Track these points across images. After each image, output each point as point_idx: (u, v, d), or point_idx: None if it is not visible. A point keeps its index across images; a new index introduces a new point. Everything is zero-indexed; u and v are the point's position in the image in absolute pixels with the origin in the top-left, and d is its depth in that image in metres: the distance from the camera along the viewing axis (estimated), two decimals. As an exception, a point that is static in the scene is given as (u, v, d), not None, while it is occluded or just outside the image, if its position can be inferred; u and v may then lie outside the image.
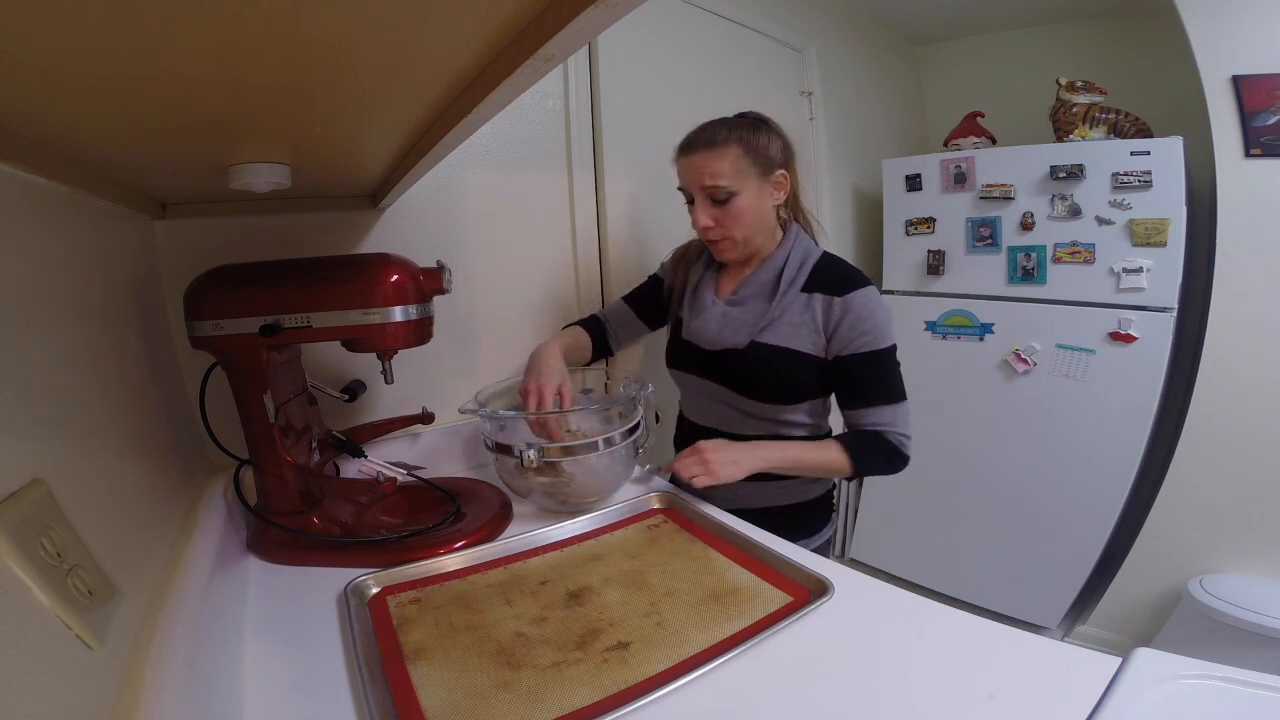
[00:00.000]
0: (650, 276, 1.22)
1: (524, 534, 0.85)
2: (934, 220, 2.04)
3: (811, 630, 0.63)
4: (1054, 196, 1.81)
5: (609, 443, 0.91)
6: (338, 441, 0.96)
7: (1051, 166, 1.79)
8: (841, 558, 2.35)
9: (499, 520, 0.90)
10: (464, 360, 1.21)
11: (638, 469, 1.03)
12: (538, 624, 0.66)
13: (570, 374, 0.98)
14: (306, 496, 0.83)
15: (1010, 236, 1.90)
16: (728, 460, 0.89)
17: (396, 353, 0.82)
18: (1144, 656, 0.54)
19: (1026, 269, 1.88)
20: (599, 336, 1.16)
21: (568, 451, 0.90)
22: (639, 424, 0.97)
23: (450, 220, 1.16)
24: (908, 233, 2.10)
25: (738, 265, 1.06)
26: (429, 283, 0.82)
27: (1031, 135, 1.94)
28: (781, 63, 1.94)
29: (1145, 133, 1.76)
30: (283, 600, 0.73)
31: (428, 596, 0.73)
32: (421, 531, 0.83)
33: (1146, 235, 1.67)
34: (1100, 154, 1.73)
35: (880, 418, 0.94)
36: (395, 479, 0.82)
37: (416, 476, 0.97)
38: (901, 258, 2.13)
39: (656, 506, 0.95)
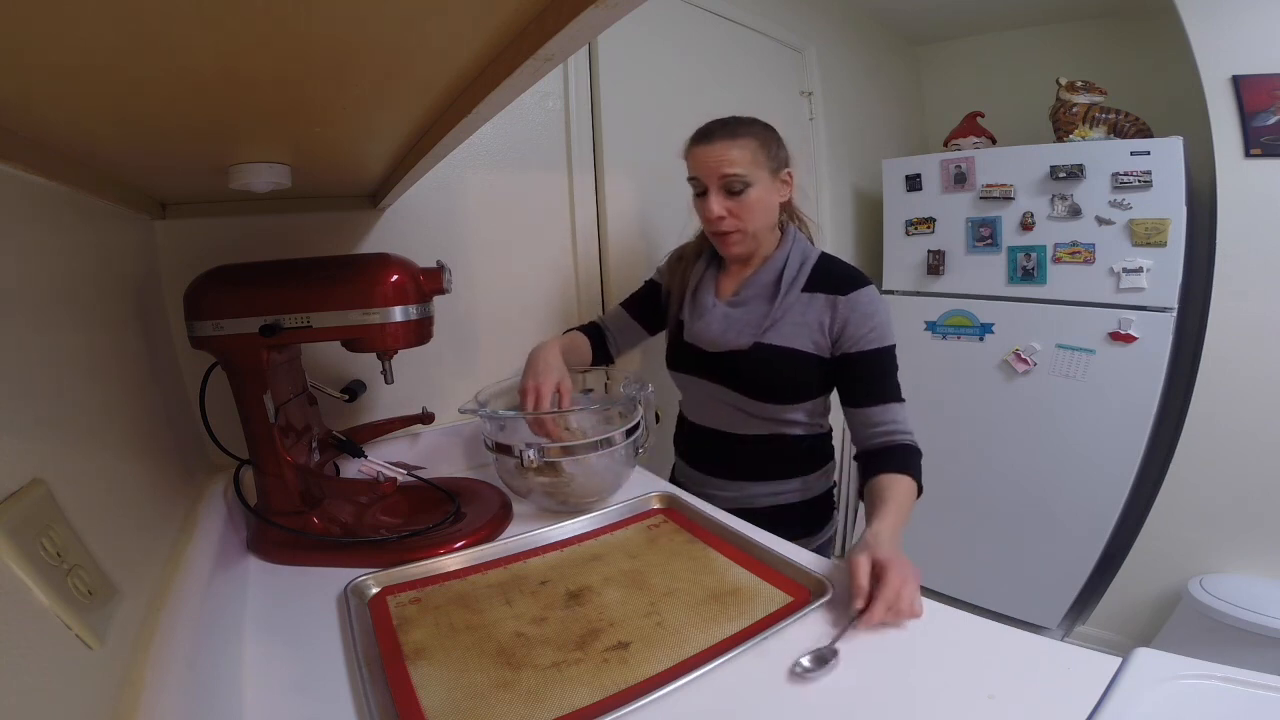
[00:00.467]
0: (646, 282, 1.22)
1: (524, 534, 0.85)
2: (934, 220, 2.04)
3: (811, 630, 0.63)
4: (1054, 196, 1.81)
5: (609, 443, 0.91)
6: (338, 441, 0.96)
7: (1051, 166, 1.79)
8: (842, 557, 2.35)
9: (499, 520, 0.90)
10: (464, 360, 1.21)
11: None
12: (538, 624, 0.66)
13: (570, 374, 0.98)
14: (306, 496, 0.83)
15: (1010, 236, 1.90)
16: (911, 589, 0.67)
17: (396, 353, 0.82)
18: (1144, 656, 0.54)
19: (1026, 269, 1.88)
20: (599, 343, 1.16)
21: (568, 451, 0.90)
22: (639, 424, 0.97)
23: (450, 220, 1.16)
24: (908, 233, 2.10)
25: (737, 267, 1.06)
26: (429, 283, 0.82)
27: (1031, 135, 1.94)
28: (781, 63, 1.94)
29: (1145, 133, 1.76)
30: (283, 600, 0.73)
31: (428, 596, 0.73)
32: (421, 531, 0.83)
33: (1146, 235, 1.67)
34: (1100, 154, 1.73)
35: (893, 416, 0.94)
36: (395, 479, 0.82)
37: (416, 476, 0.97)
38: (901, 258, 2.13)
39: (656, 506, 0.95)
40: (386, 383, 0.84)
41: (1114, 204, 1.71)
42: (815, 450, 1.07)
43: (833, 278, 0.98)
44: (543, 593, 0.73)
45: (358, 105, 0.46)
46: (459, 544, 0.82)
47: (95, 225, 0.66)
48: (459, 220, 1.17)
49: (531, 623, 0.67)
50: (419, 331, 0.81)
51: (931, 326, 2.08)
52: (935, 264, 2.04)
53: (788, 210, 1.06)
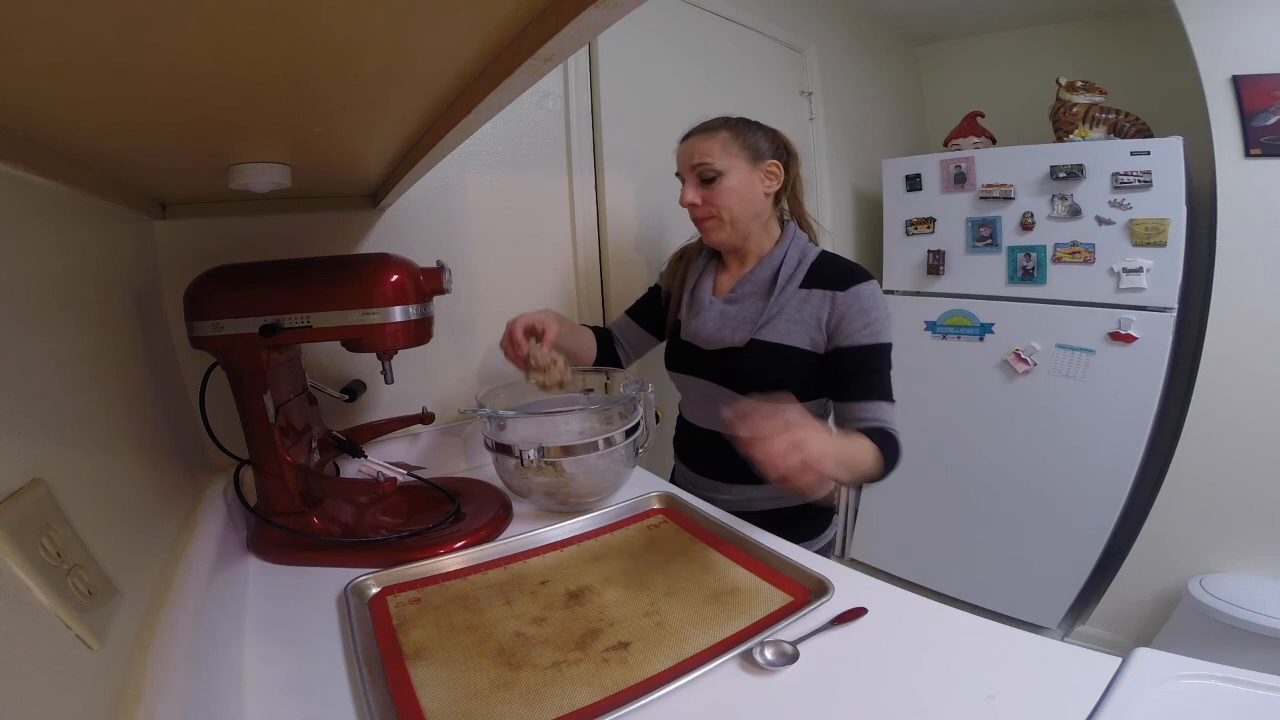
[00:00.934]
0: (650, 288, 1.23)
1: (524, 534, 0.85)
2: (934, 220, 2.04)
3: (811, 630, 0.63)
4: (1054, 196, 1.81)
5: (609, 443, 0.91)
6: (338, 441, 0.96)
7: (1051, 166, 1.79)
8: (841, 558, 2.35)
9: (499, 520, 0.90)
10: (464, 360, 1.21)
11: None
12: (538, 624, 0.66)
13: (573, 374, 0.98)
14: (306, 496, 0.83)
15: (1010, 236, 1.90)
16: (825, 476, 0.69)
17: (396, 353, 0.82)
18: (1144, 656, 0.54)
19: (1026, 269, 1.88)
20: (605, 343, 1.18)
21: (568, 451, 0.90)
22: (639, 424, 0.97)
23: (450, 220, 1.16)
24: (908, 233, 2.10)
25: (736, 264, 1.07)
26: (429, 283, 0.82)
27: (1031, 135, 1.94)
28: (781, 63, 1.94)
29: (1145, 133, 1.76)
30: (283, 600, 0.73)
31: (428, 596, 0.73)
32: (421, 531, 0.83)
33: (1146, 235, 1.67)
34: (1100, 154, 1.73)
35: (882, 414, 0.91)
36: (395, 479, 0.81)
37: (416, 476, 0.97)
38: (901, 258, 2.13)
39: (656, 506, 0.95)
40: (386, 383, 0.84)
41: (1114, 204, 1.71)
42: None
43: (832, 273, 0.98)
44: (543, 593, 0.73)
45: (358, 105, 0.46)
46: (459, 544, 0.82)
47: (95, 225, 0.66)
48: (459, 220, 1.17)
49: (531, 623, 0.67)
50: (419, 331, 0.81)
51: (931, 326, 2.08)
52: (935, 264, 2.04)
53: (795, 213, 1.07)
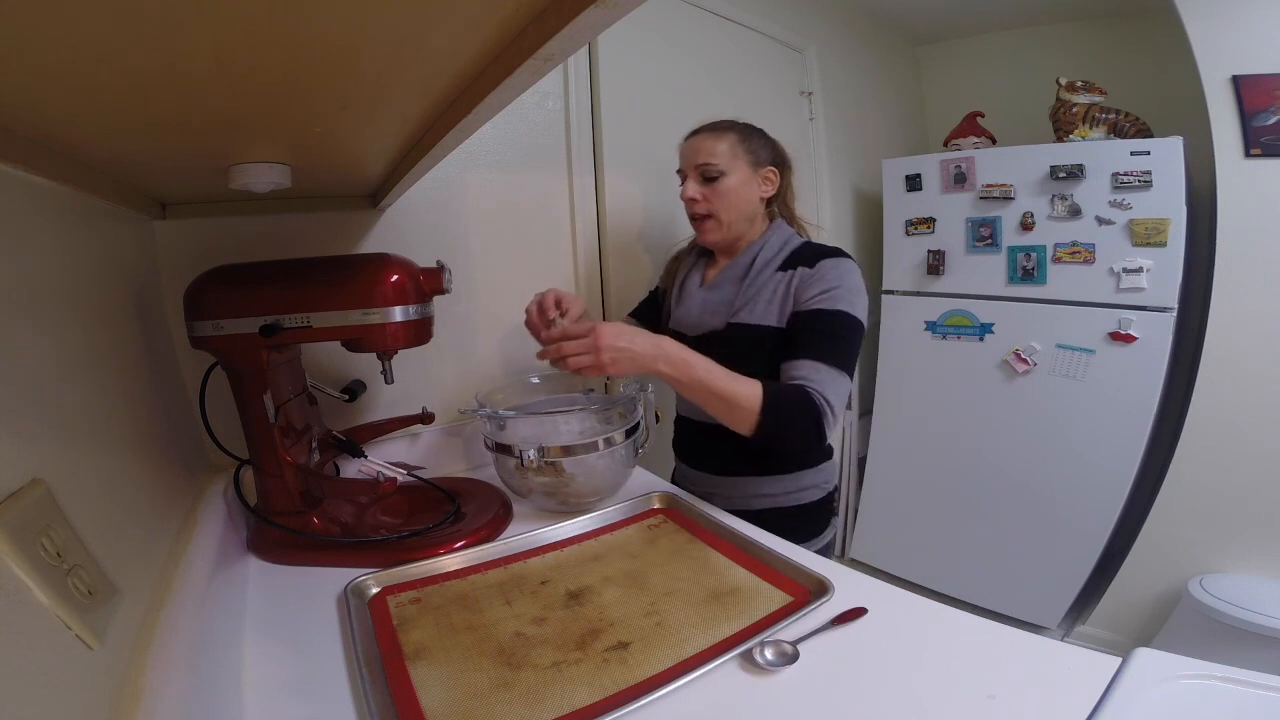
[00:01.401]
0: (650, 291, 1.27)
1: (524, 534, 0.85)
2: (934, 220, 2.04)
3: (811, 630, 0.63)
4: (1054, 196, 1.81)
5: (609, 443, 0.91)
6: (338, 441, 0.96)
7: (1051, 166, 1.79)
8: (841, 558, 2.35)
9: (499, 520, 0.90)
10: (464, 360, 1.21)
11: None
12: (538, 624, 0.66)
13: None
14: (306, 496, 0.83)
15: (1010, 236, 1.90)
16: (621, 354, 0.80)
17: (396, 353, 0.82)
18: (1144, 656, 0.54)
19: (1026, 269, 1.88)
20: None
21: (568, 451, 0.90)
22: (639, 424, 0.97)
23: (450, 220, 1.16)
24: (908, 233, 2.10)
25: (723, 255, 1.10)
26: (429, 283, 0.82)
27: (1031, 135, 1.94)
28: (781, 63, 1.94)
29: (1145, 133, 1.75)
30: (283, 600, 0.73)
31: (428, 596, 0.73)
32: (421, 531, 0.83)
33: (1146, 235, 1.67)
34: (1100, 154, 1.73)
35: (807, 371, 0.86)
36: (395, 479, 0.81)
37: (416, 476, 0.97)
38: (901, 258, 2.13)
39: (656, 506, 0.95)
40: (386, 383, 0.84)
41: (1114, 204, 1.71)
42: None
43: (808, 253, 0.99)
44: (543, 593, 0.73)
45: (358, 105, 0.46)
46: (459, 544, 0.82)
47: (95, 225, 0.66)
48: (459, 220, 1.17)
49: (531, 623, 0.67)
50: (419, 331, 0.81)
51: (931, 326, 2.08)
52: (935, 264, 2.04)
53: (785, 215, 1.09)
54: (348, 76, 0.39)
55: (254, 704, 0.56)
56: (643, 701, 0.53)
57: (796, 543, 0.83)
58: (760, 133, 1.05)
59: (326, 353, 1.00)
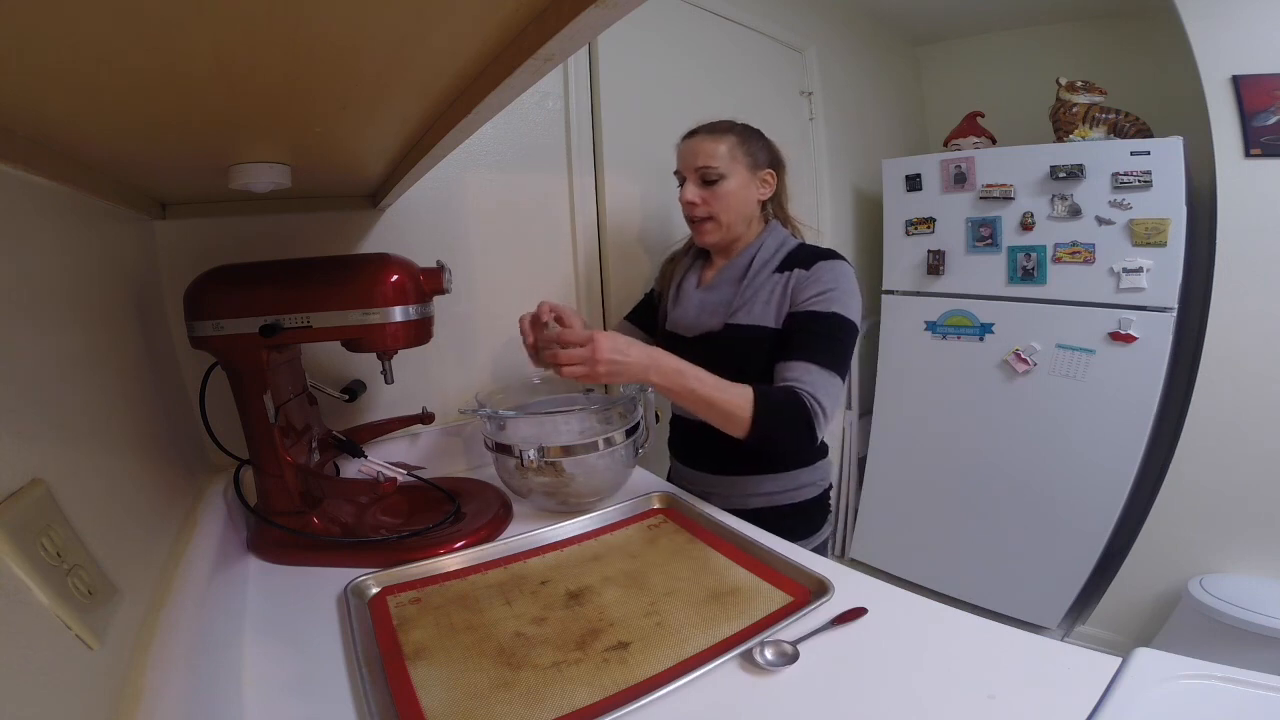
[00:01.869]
0: (646, 293, 1.27)
1: (524, 534, 0.85)
2: (934, 220, 2.04)
3: (811, 630, 0.63)
4: (1054, 196, 1.81)
5: (609, 443, 0.91)
6: (338, 441, 0.96)
7: (1051, 166, 1.79)
8: (841, 558, 2.35)
9: (499, 520, 0.90)
10: (464, 360, 1.21)
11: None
12: (538, 624, 0.66)
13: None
14: (306, 496, 0.83)
15: (1010, 236, 1.90)
16: (616, 365, 0.81)
17: (396, 353, 0.82)
18: (1144, 656, 0.54)
19: (1026, 269, 1.88)
20: None
21: (568, 451, 0.90)
22: (639, 424, 0.97)
23: (450, 220, 1.16)
24: (908, 233, 2.10)
25: (720, 256, 1.10)
26: (429, 283, 0.82)
27: (1031, 135, 1.94)
28: (781, 63, 1.94)
29: (1145, 133, 1.75)
30: (283, 600, 0.73)
31: (428, 596, 0.73)
32: (421, 531, 0.83)
33: (1146, 235, 1.67)
34: (1100, 154, 1.73)
35: (799, 374, 0.87)
36: (395, 479, 0.81)
37: (416, 476, 0.97)
38: (901, 258, 2.13)
39: (656, 506, 0.95)
40: (386, 383, 0.84)
41: (1114, 204, 1.71)
42: None
43: (804, 255, 1.00)
44: (543, 593, 0.73)
45: (358, 105, 0.46)
46: (459, 544, 0.82)
47: (95, 225, 0.66)
48: (459, 220, 1.17)
49: (531, 623, 0.67)
50: (419, 331, 0.81)
51: (931, 326, 2.08)
52: (935, 264, 2.04)
53: (780, 215, 1.10)
54: (348, 76, 0.38)
55: (254, 704, 0.56)
56: (643, 701, 0.53)
57: (793, 540, 0.83)
58: (758, 134, 1.05)
59: (326, 353, 1.00)
